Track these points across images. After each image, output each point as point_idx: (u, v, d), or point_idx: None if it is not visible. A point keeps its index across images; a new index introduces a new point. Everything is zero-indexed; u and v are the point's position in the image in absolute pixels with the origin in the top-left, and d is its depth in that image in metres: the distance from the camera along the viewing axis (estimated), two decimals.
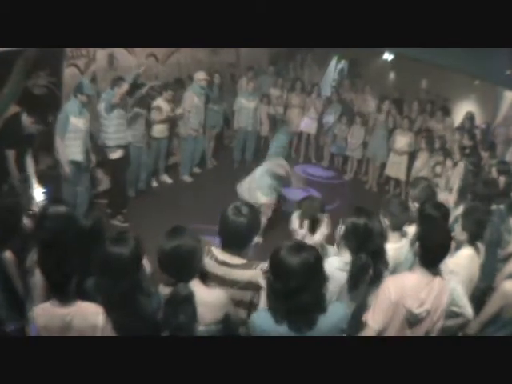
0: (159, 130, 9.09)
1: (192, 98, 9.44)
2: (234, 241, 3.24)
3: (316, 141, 12.10)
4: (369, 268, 3.46)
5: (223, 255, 3.23)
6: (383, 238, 3.84)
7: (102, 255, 3.04)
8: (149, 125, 8.84)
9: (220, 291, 3.07)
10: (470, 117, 10.16)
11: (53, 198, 4.93)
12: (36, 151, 7.09)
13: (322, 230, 3.73)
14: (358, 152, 11.22)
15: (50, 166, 7.40)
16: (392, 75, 13.98)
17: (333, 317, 2.73)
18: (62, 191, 7.12)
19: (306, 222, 3.65)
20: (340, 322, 2.81)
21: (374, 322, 3.28)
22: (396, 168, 10.30)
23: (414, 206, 4.76)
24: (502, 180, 6.54)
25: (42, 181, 6.77)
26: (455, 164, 8.11)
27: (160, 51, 9.31)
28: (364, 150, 11.15)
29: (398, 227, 4.27)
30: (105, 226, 3.99)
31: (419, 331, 3.35)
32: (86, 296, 3.13)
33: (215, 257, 3.23)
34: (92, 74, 7.90)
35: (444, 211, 4.39)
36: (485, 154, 8.23)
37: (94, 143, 7.63)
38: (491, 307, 4.05)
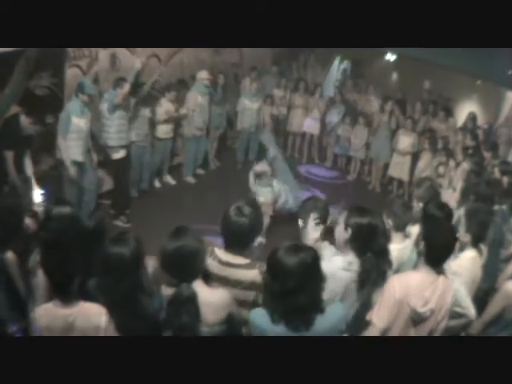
0: (163, 131, 9.10)
1: (196, 98, 9.44)
2: (237, 241, 3.23)
3: (319, 141, 12.08)
4: (376, 268, 3.46)
5: (226, 255, 3.22)
6: (386, 237, 3.84)
7: (103, 255, 3.04)
8: (152, 125, 8.85)
9: (223, 291, 3.07)
10: (472, 117, 10.14)
11: (57, 198, 4.92)
12: (37, 151, 7.11)
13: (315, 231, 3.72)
14: (361, 152, 11.21)
15: (52, 166, 7.42)
16: (395, 76, 13.98)
17: (331, 318, 2.73)
18: (65, 191, 7.13)
19: (320, 227, 3.64)
20: (338, 323, 2.80)
21: (379, 320, 3.27)
22: (399, 168, 10.28)
23: (418, 205, 4.75)
24: (504, 180, 6.54)
25: (44, 181, 6.77)
26: (458, 164, 8.10)
27: (162, 52, 9.30)
28: (367, 151, 11.13)
29: (401, 228, 4.26)
30: (108, 227, 4.00)
31: (423, 330, 3.34)
32: (88, 296, 3.13)
33: (218, 257, 3.23)
34: (94, 75, 7.90)
35: (447, 211, 4.38)
36: (487, 155, 8.22)
37: (96, 143, 7.64)
38: (494, 308, 4.04)
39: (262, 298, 2.94)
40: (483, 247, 4.41)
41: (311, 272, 2.64)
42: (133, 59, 7.69)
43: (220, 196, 8.24)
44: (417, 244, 3.93)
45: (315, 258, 2.69)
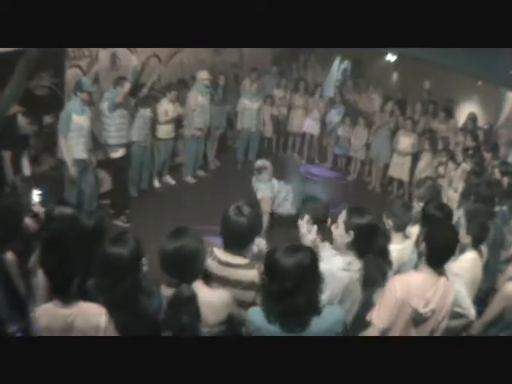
0: (164, 131, 9.11)
1: (196, 97, 9.44)
2: (236, 241, 3.23)
3: (319, 142, 12.08)
4: (377, 268, 3.46)
5: (225, 256, 3.23)
6: (386, 237, 3.83)
7: (102, 255, 3.04)
8: (153, 125, 8.86)
9: (223, 292, 3.07)
10: (472, 118, 10.15)
11: (58, 199, 4.92)
12: (38, 152, 7.11)
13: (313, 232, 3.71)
14: (362, 153, 11.21)
15: (53, 166, 7.41)
16: (395, 76, 13.97)
17: (327, 320, 2.72)
18: (65, 191, 7.14)
19: (315, 227, 3.62)
20: (334, 325, 2.77)
21: (379, 320, 3.27)
22: (399, 169, 10.28)
23: (419, 205, 4.75)
24: (504, 181, 6.54)
25: (45, 181, 6.77)
26: (458, 165, 8.10)
27: (163, 52, 9.29)
28: (367, 151, 11.14)
29: (401, 228, 4.26)
30: (107, 227, 3.99)
31: (424, 330, 3.35)
32: (88, 296, 3.13)
33: (217, 257, 3.23)
34: (95, 75, 7.91)
35: (447, 212, 4.38)
36: (487, 155, 8.22)
37: (95, 142, 7.64)
38: (494, 308, 4.05)
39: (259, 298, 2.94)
40: (483, 248, 4.41)
41: (308, 273, 2.63)
42: (133, 59, 7.69)
43: (220, 196, 8.23)
44: (417, 244, 3.93)
45: (313, 260, 2.68)
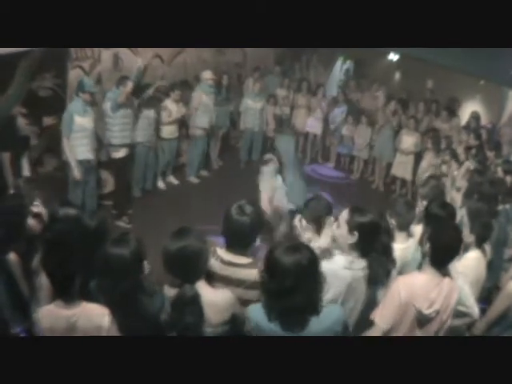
0: (168, 131, 9.12)
1: (200, 97, 9.46)
2: (238, 240, 3.24)
3: (322, 141, 12.09)
4: (384, 266, 3.46)
5: (228, 255, 3.23)
6: (390, 235, 3.82)
7: (104, 256, 3.04)
8: (157, 125, 8.87)
9: (226, 292, 3.07)
10: (475, 116, 10.14)
11: (62, 200, 4.93)
12: (41, 153, 7.12)
13: (326, 233, 3.70)
14: (365, 152, 11.22)
15: (56, 167, 7.42)
16: (398, 75, 13.94)
17: (326, 320, 2.72)
18: (69, 192, 7.14)
19: (310, 226, 3.62)
20: (334, 324, 2.77)
21: (382, 321, 3.27)
22: (402, 168, 10.29)
23: (423, 204, 4.75)
24: (508, 179, 6.54)
25: (49, 182, 6.78)
26: (461, 164, 8.09)
27: (165, 52, 9.30)
28: (370, 150, 11.14)
29: (404, 227, 4.25)
30: (109, 227, 4.00)
31: (429, 331, 3.34)
32: (90, 297, 3.13)
33: (220, 257, 3.23)
34: (97, 75, 7.90)
35: (450, 210, 4.37)
36: (490, 154, 8.21)
37: (99, 142, 7.64)
38: (497, 307, 4.05)
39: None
40: (487, 247, 4.41)
41: (308, 273, 2.63)
42: (135, 59, 7.69)
43: (223, 196, 8.22)
44: (421, 243, 3.93)
45: (312, 259, 2.67)
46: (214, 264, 3.20)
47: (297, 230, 3.67)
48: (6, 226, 4.09)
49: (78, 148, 6.94)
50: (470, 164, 7.74)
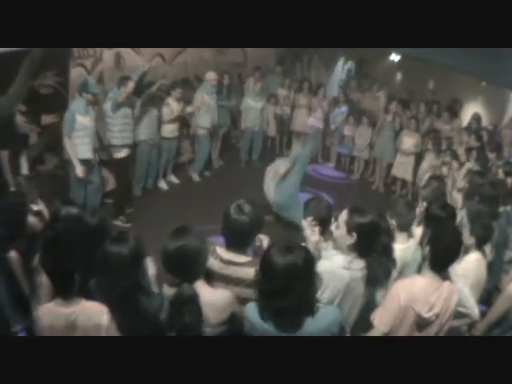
0: (169, 130, 9.13)
1: (203, 97, 9.49)
2: (238, 239, 3.24)
3: (322, 141, 12.08)
4: (379, 267, 3.45)
5: (227, 254, 3.23)
6: (390, 235, 3.82)
7: (103, 254, 3.05)
8: (160, 124, 8.90)
9: (225, 291, 3.07)
10: (476, 118, 10.13)
11: (65, 198, 4.94)
12: (42, 151, 7.12)
13: (316, 233, 3.70)
14: (365, 152, 11.22)
15: (57, 165, 7.42)
16: (399, 76, 13.95)
17: (321, 321, 2.71)
18: (70, 191, 7.14)
19: (317, 229, 3.61)
20: (330, 325, 2.77)
21: (381, 324, 3.27)
22: (403, 168, 10.28)
23: (423, 205, 4.76)
24: (509, 181, 6.53)
25: (50, 180, 6.78)
26: (462, 165, 8.09)
27: (167, 51, 9.33)
28: (371, 151, 11.14)
29: (404, 228, 4.26)
30: (110, 225, 4.00)
31: (428, 334, 3.34)
32: (90, 296, 3.14)
33: (220, 256, 3.23)
34: (99, 74, 7.91)
35: (450, 211, 4.38)
36: (491, 155, 8.20)
37: (99, 142, 7.65)
38: (498, 309, 4.05)
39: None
40: (487, 249, 4.41)
41: (303, 273, 2.62)
42: (137, 59, 7.70)
43: (223, 195, 8.22)
44: (421, 244, 3.93)
45: (307, 260, 2.66)
46: (213, 263, 3.21)
47: (305, 236, 3.65)
48: (6, 224, 4.08)
49: (79, 147, 6.93)
50: (470, 165, 7.74)
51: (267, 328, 2.66)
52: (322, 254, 3.45)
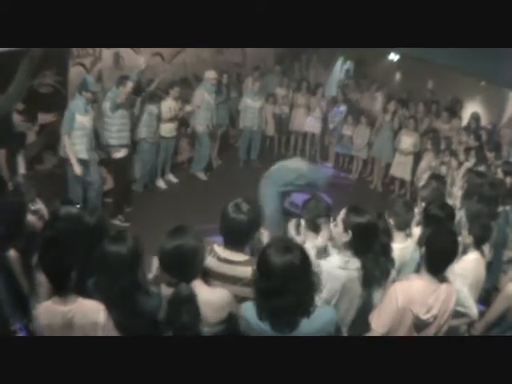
0: (167, 130, 9.13)
1: (203, 95, 9.51)
2: (236, 238, 3.24)
3: (321, 141, 12.08)
4: (379, 266, 3.46)
5: (225, 253, 3.23)
6: (388, 235, 3.82)
7: (101, 253, 3.05)
8: (159, 123, 8.91)
9: (223, 291, 3.07)
10: (475, 117, 10.13)
11: (64, 198, 4.94)
12: (40, 150, 7.12)
13: (324, 234, 3.71)
14: (364, 152, 11.22)
15: (56, 164, 7.42)
16: (398, 75, 13.95)
17: (317, 321, 2.70)
18: (69, 190, 7.14)
19: (303, 229, 3.63)
20: (326, 325, 2.76)
21: (379, 326, 3.27)
22: (401, 168, 10.28)
23: (422, 206, 4.76)
24: (507, 181, 6.53)
25: (48, 180, 6.77)
26: (461, 164, 8.10)
27: (166, 50, 9.34)
28: (369, 150, 11.13)
29: (402, 227, 4.26)
30: (108, 224, 4.00)
31: (426, 335, 3.34)
32: (89, 295, 3.14)
33: (217, 255, 3.24)
34: (98, 73, 7.92)
35: (449, 211, 4.38)
36: (490, 155, 8.21)
37: (98, 141, 7.65)
38: (496, 308, 4.05)
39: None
40: (486, 249, 4.41)
41: (299, 274, 2.61)
42: (136, 58, 7.70)
43: (222, 194, 8.22)
44: (419, 244, 3.93)
45: (304, 260, 2.66)
46: (210, 261, 3.21)
47: (290, 236, 3.66)
48: (5, 223, 4.09)
49: (77, 146, 6.93)
50: (469, 165, 7.74)
51: (263, 328, 2.66)
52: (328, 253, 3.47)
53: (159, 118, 8.83)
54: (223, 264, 3.21)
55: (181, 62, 9.95)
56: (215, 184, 9.78)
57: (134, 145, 8.42)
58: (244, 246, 3.29)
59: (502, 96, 11.19)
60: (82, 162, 7.01)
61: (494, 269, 4.81)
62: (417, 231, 4.39)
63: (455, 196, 7.32)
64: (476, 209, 4.56)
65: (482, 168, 7.49)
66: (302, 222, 3.74)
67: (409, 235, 4.33)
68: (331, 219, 3.68)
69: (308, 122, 11.74)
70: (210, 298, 2.99)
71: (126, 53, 8.22)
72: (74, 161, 6.87)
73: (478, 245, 4.24)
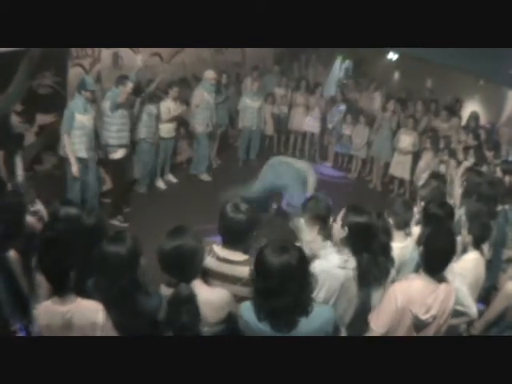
0: (166, 130, 9.12)
1: (202, 95, 9.50)
2: (234, 238, 3.25)
3: (320, 140, 12.07)
4: (377, 266, 3.46)
5: (224, 252, 3.24)
6: (388, 234, 3.83)
7: (100, 254, 3.05)
8: (158, 123, 8.91)
9: (222, 290, 3.08)
10: (474, 116, 10.13)
11: (63, 199, 4.94)
12: (40, 150, 7.12)
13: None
14: (363, 151, 11.22)
15: (55, 165, 7.42)
16: (397, 75, 13.96)
17: (315, 321, 2.70)
18: (68, 189, 7.13)
19: (315, 229, 3.62)
20: (324, 325, 2.76)
21: (378, 326, 3.27)
22: (400, 167, 10.28)
23: (421, 205, 4.76)
24: (506, 180, 6.53)
25: (47, 180, 6.77)
26: (459, 163, 8.09)
27: (165, 50, 9.33)
28: (368, 150, 11.13)
29: (401, 226, 4.27)
30: (107, 225, 4.00)
31: (426, 335, 3.34)
32: (88, 296, 3.14)
33: (216, 254, 3.24)
34: (97, 74, 7.92)
35: (448, 210, 4.38)
36: (489, 154, 8.20)
37: (97, 141, 7.64)
38: (496, 308, 4.05)
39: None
40: (485, 248, 4.41)
41: (297, 274, 2.61)
42: (135, 58, 7.69)
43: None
44: (418, 243, 3.93)
45: (302, 260, 2.67)
46: (210, 261, 3.22)
47: (302, 239, 3.67)
48: (5, 224, 4.09)
49: (76, 145, 6.94)
50: (468, 164, 7.74)
51: (262, 327, 2.66)
52: (320, 253, 3.46)
53: (158, 119, 8.83)
54: (222, 264, 3.21)
55: (180, 62, 9.95)
56: (215, 184, 9.77)
57: (133, 145, 8.41)
58: (242, 245, 3.29)
59: (501, 95, 11.20)
60: (81, 161, 7.02)
61: (493, 268, 4.81)
62: (416, 230, 4.39)
63: (454, 195, 7.33)
64: (475, 208, 4.56)
65: (481, 167, 7.49)
66: (302, 220, 3.74)
67: (408, 234, 4.33)
68: (331, 219, 3.69)
69: (307, 122, 11.73)
70: (210, 297, 2.99)
71: (125, 53, 8.22)
72: (72, 160, 6.88)
73: (477, 244, 4.24)
